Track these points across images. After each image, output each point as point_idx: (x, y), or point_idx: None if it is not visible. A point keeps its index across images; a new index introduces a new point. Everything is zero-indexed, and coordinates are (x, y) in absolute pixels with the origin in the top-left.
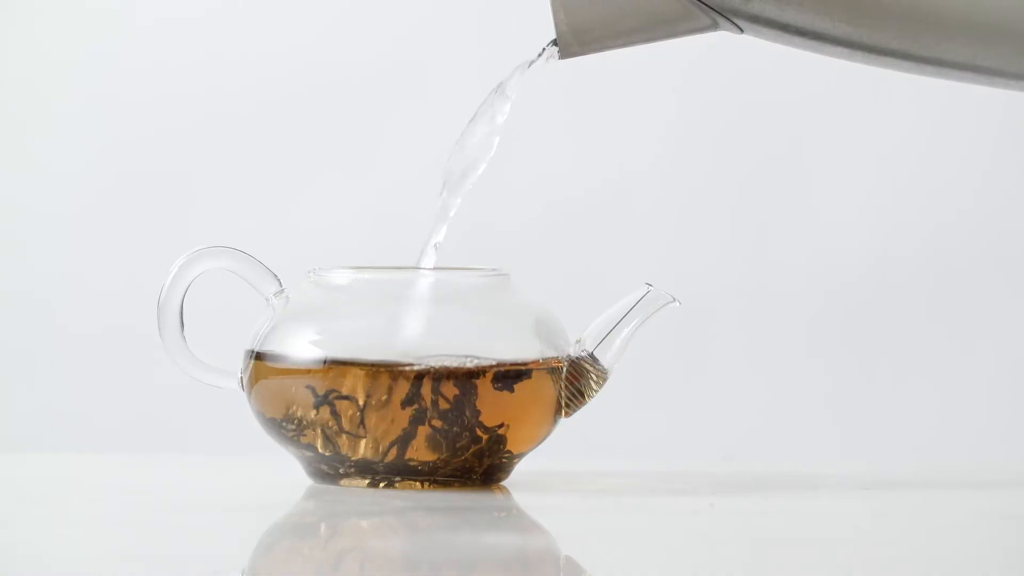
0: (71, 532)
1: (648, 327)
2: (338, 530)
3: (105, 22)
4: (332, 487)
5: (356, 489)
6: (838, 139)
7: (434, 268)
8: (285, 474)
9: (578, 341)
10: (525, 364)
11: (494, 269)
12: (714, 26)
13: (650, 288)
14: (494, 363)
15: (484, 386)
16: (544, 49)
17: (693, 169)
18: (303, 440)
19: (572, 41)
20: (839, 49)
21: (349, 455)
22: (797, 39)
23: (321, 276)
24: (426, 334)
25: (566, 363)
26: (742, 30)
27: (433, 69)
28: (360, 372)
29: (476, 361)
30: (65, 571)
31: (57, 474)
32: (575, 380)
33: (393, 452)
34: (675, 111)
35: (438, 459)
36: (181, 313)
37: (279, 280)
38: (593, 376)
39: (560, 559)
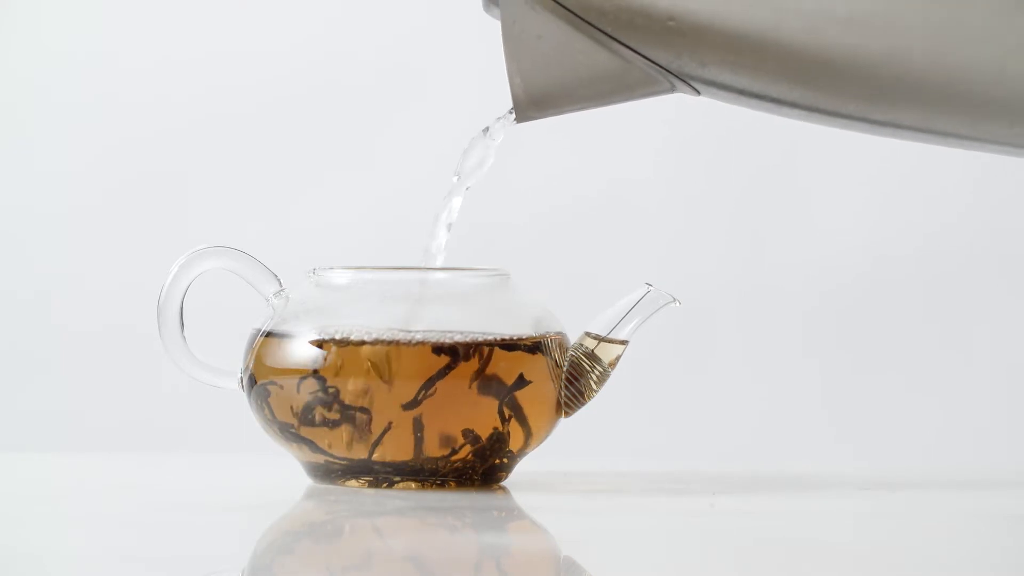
0: (71, 532)
1: (648, 327)
2: (338, 530)
3: (105, 22)
4: (332, 487)
5: (356, 489)
6: (835, 141)
7: (434, 268)
8: (285, 474)
9: (578, 341)
10: (530, 338)
11: (494, 269)
12: (672, 89)
13: (650, 288)
14: (497, 339)
15: (489, 361)
16: (500, 119)
17: (692, 171)
18: (304, 439)
19: (527, 106)
20: (796, 111)
21: (350, 454)
22: (754, 102)
23: (321, 276)
24: (426, 336)
25: (566, 362)
26: (699, 92)
27: (434, 69)
28: (360, 371)
29: (483, 335)
30: (65, 571)
31: (57, 474)
32: (575, 380)
33: (393, 448)
34: (674, 114)
35: (439, 457)
36: (181, 313)
37: (279, 280)
38: (593, 376)
39: (560, 559)
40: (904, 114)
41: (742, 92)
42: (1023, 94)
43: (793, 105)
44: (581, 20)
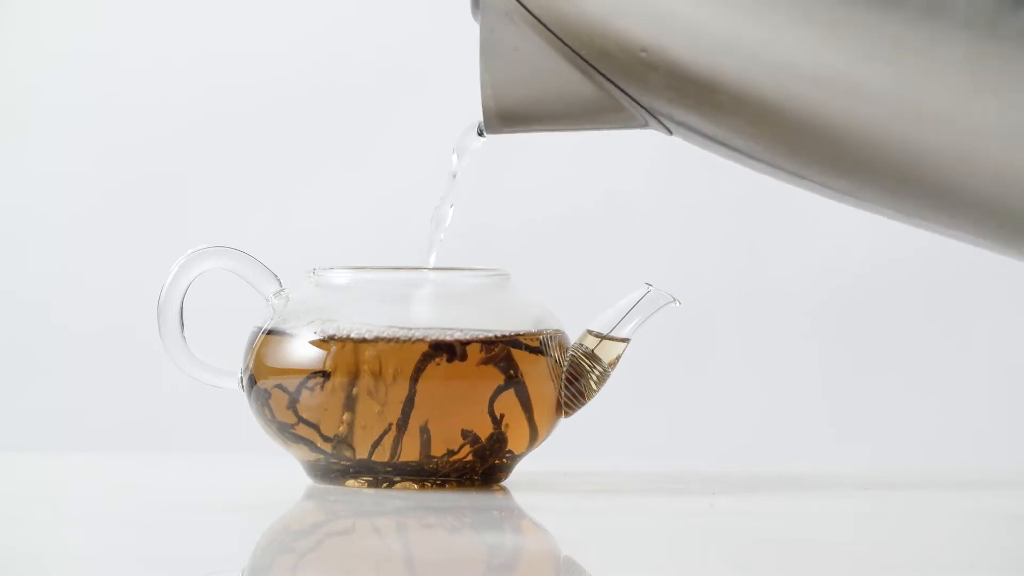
0: (71, 532)
1: (648, 327)
2: (338, 530)
3: (105, 22)
4: (332, 487)
5: (356, 489)
6: None
7: (434, 268)
8: (285, 474)
9: (578, 340)
10: (531, 336)
11: (494, 269)
12: (644, 124)
13: (650, 288)
14: (497, 338)
15: (490, 360)
16: (468, 131)
17: (693, 171)
18: (303, 438)
19: (495, 120)
20: (761, 166)
21: (350, 453)
22: (722, 150)
23: (321, 276)
24: (426, 333)
25: (566, 362)
26: (671, 132)
27: (433, 69)
28: (360, 370)
29: (483, 334)
30: (65, 571)
31: (57, 474)
32: (575, 380)
33: (393, 448)
34: None
35: (439, 456)
36: (181, 313)
37: (279, 280)
38: (593, 376)
39: (560, 559)
40: (864, 186)
41: (709, 137)
42: (984, 181)
43: (759, 160)
44: (558, 39)
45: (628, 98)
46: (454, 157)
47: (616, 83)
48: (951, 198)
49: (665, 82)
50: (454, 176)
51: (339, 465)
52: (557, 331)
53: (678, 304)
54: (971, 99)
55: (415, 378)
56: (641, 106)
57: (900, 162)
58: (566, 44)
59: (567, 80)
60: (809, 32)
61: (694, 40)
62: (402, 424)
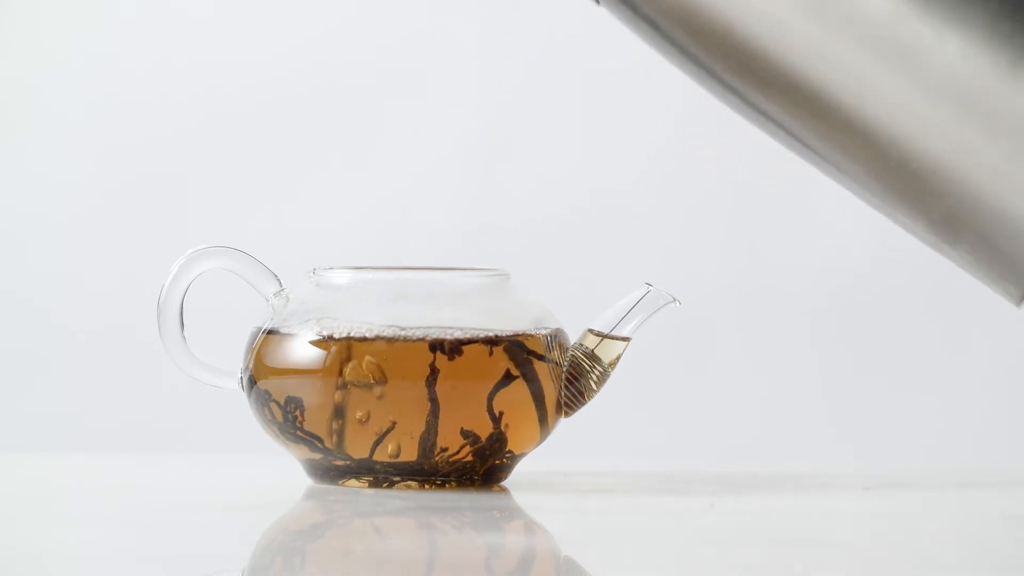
0: (71, 532)
1: (648, 327)
2: (338, 530)
3: (105, 23)
4: (332, 487)
5: (356, 489)
6: None
7: (434, 268)
8: (285, 474)
9: (579, 340)
10: (531, 337)
11: (494, 269)
12: None
13: (650, 288)
14: (497, 338)
15: (490, 359)
16: None
17: (693, 170)
18: (303, 438)
19: None
20: (679, 57)
21: (350, 453)
22: (644, 31)
23: (321, 276)
24: (426, 333)
25: (566, 362)
26: (598, 2)
27: (432, 69)
28: (360, 370)
29: (483, 333)
30: (65, 571)
31: (57, 474)
32: (575, 380)
33: (393, 447)
34: (675, 112)
35: (439, 456)
36: (181, 313)
37: (279, 280)
38: (593, 376)
39: (560, 559)
40: (772, 102)
41: (634, 12)
42: (879, 133)
43: (677, 49)
44: None
45: None
46: None
47: None
48: (848, 134)
49: None
50: None
51: (339, 465)
52: (557, 331)
53: (678, 304)
54: (880, 58)
55: (415, 379)
56: None
57: (811, 96)
58: None
59: None
60: None
61: None
62: (403, 424)
